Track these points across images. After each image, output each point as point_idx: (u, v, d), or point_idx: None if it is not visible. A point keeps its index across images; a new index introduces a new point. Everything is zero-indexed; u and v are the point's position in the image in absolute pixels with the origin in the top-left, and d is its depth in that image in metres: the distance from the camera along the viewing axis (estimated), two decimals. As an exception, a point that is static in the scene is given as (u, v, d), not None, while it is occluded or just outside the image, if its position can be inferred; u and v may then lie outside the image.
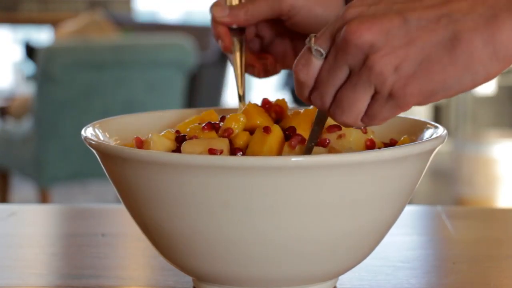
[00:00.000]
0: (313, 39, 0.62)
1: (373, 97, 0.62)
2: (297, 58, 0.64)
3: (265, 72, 0.86)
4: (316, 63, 0.63)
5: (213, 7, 0.83)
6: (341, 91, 0.62)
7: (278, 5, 0.82)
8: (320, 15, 0.83)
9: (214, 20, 0.83)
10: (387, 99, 0.62)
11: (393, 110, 0.62)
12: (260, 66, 0.86)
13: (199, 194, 0.63)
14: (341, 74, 0.62)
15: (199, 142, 0.69)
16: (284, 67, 0.87)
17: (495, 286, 0.77)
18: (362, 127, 0.68)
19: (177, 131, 0.75)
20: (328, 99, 0.63)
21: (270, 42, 0.87)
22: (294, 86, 0.65)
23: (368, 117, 0.63)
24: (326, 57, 0.62)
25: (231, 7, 0.82)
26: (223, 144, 0.69)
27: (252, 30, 0.86)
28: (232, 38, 0.83)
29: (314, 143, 0.68)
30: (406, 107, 0.62)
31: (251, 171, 0.62)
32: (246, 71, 0.84)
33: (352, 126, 0.64)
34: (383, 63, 0.60)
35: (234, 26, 0.83)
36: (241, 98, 0.83)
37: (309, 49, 0.63)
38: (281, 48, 0.87)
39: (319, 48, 0.62)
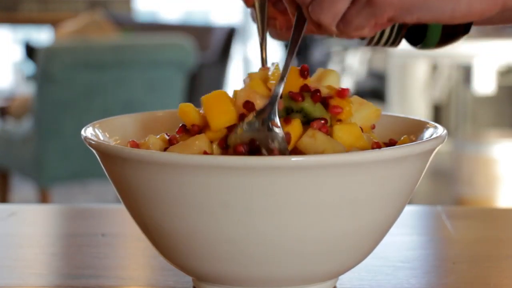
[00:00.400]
0: None
1: (352, 2, 0.64)
2: None
3: (287, 28, 0.84)
4: None
5: None
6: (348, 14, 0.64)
7: None
8: None
9: None
10: (364, 5, 0.63)
11: (368, 18, 0.64)
12: (282, 19, 0.83)
13: (199, 194, 0.63)
14: None
15: (179, 147, 0.69)
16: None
17: (495, 286, 0.77)
18: (334, 35, 0.68)
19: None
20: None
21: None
22: None
23: (343, 22, 0.65)
24: None
25: None
26: (203, 143, 0.68)
27: None
28: None
29: (295, 49, 0.69)
30: (381, 17, 0.64)
31: (251, 171, 0.62)
32: (268, 26, 0.82)
33: (327, 29, 0.65)
34: None
35: None
36: (264, 61, 0.81)
37: None
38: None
39: None
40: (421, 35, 0.80)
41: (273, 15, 0.83)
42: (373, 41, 0.81)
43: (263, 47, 0.81)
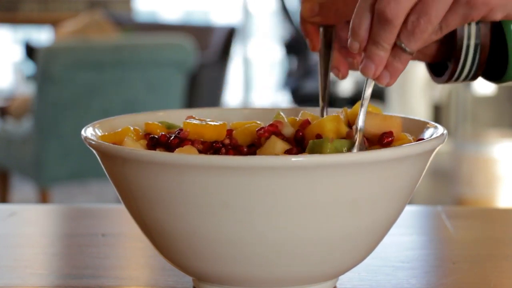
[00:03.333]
0: None
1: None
2: None
3: (351, 68, 0.84)
4: None
5: (302, 4, 0.81)
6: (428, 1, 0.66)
7: None
8: None
9: (302, 18, 0.81)
10: (463, 7, 0.66)
11: (463, 17, 0.68)
12: (345, 69, 0.83)
13: (199, 194, 0.63)
14: None
15: None
16: None
17: (495, 286, 0.77)
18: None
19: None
20: (407, 5, 0.66)
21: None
22: None
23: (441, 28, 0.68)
24: None
25: (321, 5, 0.80)
26: None
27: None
28: (320, 36, 0.81)
29: (328, 67, 0.70)
30: (472, 17, 0.67)
31: (251, 171, 0.62)
32: (331, 71, 0.82)
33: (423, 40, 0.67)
34: None
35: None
36: (323, 99, 0.80)
37: None
38: None
39: None
40: (500, 70, 0.79)
41: (337, 65, 0.83)
42: (453, 78, 0.80)
43: (322, 86, 0.81)
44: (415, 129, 0.76)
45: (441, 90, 4.15)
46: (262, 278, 0.67)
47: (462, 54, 0.77)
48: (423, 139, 0.73)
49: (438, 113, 4.66)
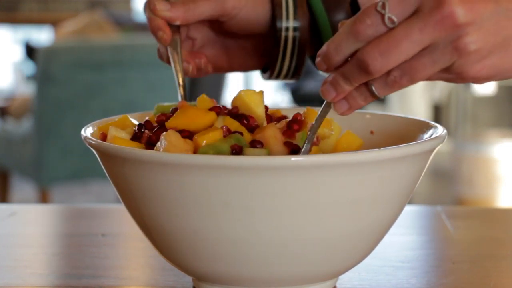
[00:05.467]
0: (387, 6, 0.62)
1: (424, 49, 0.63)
2: (357, 17, 0.62)
3: (198, 71, 0.85)
4: (382, 28, 0.62)
5: (154, 1, 0.81)
6: (415, 62, 0.62)
7: (220, 5, 0.81)
8: (261, 14, 0.83)
9: (154, 12, 0.81)
10: (449, 72, 0.64)
11: (447, 81, 0.66)
12: (194, 64, 0.84)
13: (199, 194, 0.63)
14: (420, 47, 0.62)
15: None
16: (215, 69, 0.86)
17: (495, 286, 0.77)
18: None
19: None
20: (393, 65, 0.62)
21: (201, 46, 0.86)
22: (338, 41, 0.63)
23: (407, 72, 0.64)
24: (397, 25, 0.62)
25: (172, 3, 0.81)
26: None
27: (183, 31, 0.85)
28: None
29: (313, 137, 0.68)
30: (461, 82, 0.66)
31: (251, 171, 0.62)
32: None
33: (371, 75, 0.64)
34: (473, 48, 0.62)
35: (176, 23, 0.81)
36: (184, 96, 0.81)
37: (380, 14, 0.62)
38: (213, 52, 0.87)
39: (392, 17, 0.62)
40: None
41: (186, 59, 0.84)
42: (273, 75, 0.84)
43: (182, 81, 0.82)
44: (415, 129, 0.76)
45: (441, 90, 4.15)
46: (262, 278, 0.67)
47: (281, 46, 0.81)
48: (423, 139, 0.73)
49: (438, 113, 4.66)
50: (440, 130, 0.72)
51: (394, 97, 3.83)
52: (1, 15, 6.17)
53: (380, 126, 0.76)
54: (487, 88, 3.62)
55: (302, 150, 0.69)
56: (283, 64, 0.83)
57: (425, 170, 0.70)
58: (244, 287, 0.69)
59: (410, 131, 0.76)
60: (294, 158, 0.62)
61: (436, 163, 3.88)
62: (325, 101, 0.67)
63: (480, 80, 0.65)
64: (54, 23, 5.22)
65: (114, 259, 0.86)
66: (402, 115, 0.80)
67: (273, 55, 0.83)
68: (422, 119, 0.78)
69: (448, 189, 3.87)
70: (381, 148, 0.65)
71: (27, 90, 4.54)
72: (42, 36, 5.93)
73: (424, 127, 0.75)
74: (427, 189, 3.90)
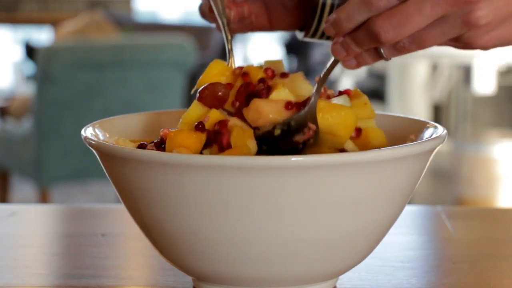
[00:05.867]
0: None
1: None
2: None
3: (241, 21, 0.84)
4: (394, 1, 0.64)
5: None
6: (425, 32, 0.65)
7: None
8: None
9: None
10: (457, 41, 0.67)
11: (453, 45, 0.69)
12: (236, 11, 0.83)
13: (199, 194, 0.63)
14: (431, 20, 0.64)
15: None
16: (257, 27, 0.86)
17: (495, 286, 0.77)
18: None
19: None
20: (404, 36, 0.65)
21: (242, 1, 0.85)
22: (350, 9, 0.65)
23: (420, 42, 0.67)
24: None
25: None
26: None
27: None
28: None
29: (320, 88, 0.71)
30: (469, 49, 0.68)
31: (251, 171, 0.62)
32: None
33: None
34: (483, 22, 0.64)
35: None
36: (230, 52, 0.80)
37: None
38: (254, 8, 0.86)
39: None
40: None
41: (228, 5, 0.83)
42: (309, 33, 0.83)
43: (229, 39, 0.80)
44: (415, 129, 0.76)
45: (441, 90, 4.15)
46: (262, 278, 0.67)
47: (318, 10, 0.80)
48: (423, 139, 0.72)
49: (438, 113, 4.66)
50: (440, 130, 0.72)
51: (394, 97, 3.83)
52: (1, 15, 6.17)
53: (380, 126, 0.76)
54: (487, 88, 3.62)
55: (311, 102, 0.70)
56: (319, 26, 0.82)
57: (425, 170, 0.70)
58: (244, 287, 0.69)
59: (410, 131, 0.76)
60: (294, 158, 0.62)
61: (436, 163, 3.88)
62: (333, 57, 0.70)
63: (487, 48, 0.68)
64: (54, 23, 5.22)
65: (114, 259, 0.86)
66: (402, 115, 0.80)
67: (310, 14, 0.83)
68: (422, 119, 0.77)
69: (448, 189, 3.86)
70: (381, 148, 0.65)
71: (27, 90, 4.54)
72: (42, 36, 5.93)
73: (424, 127, 0.75)
74: (427, 189, 3.90)
